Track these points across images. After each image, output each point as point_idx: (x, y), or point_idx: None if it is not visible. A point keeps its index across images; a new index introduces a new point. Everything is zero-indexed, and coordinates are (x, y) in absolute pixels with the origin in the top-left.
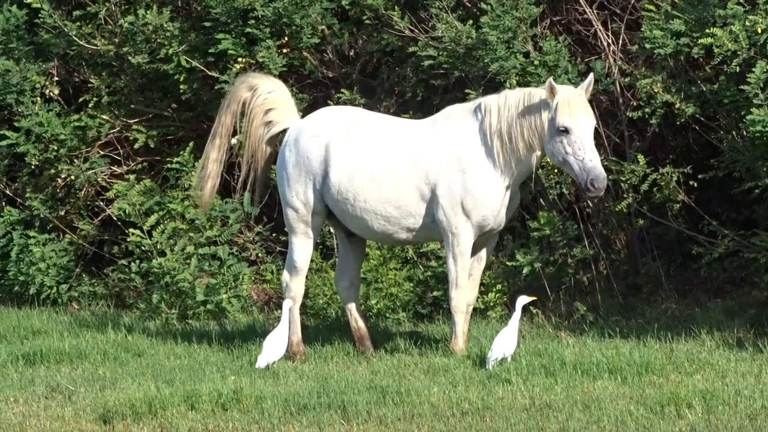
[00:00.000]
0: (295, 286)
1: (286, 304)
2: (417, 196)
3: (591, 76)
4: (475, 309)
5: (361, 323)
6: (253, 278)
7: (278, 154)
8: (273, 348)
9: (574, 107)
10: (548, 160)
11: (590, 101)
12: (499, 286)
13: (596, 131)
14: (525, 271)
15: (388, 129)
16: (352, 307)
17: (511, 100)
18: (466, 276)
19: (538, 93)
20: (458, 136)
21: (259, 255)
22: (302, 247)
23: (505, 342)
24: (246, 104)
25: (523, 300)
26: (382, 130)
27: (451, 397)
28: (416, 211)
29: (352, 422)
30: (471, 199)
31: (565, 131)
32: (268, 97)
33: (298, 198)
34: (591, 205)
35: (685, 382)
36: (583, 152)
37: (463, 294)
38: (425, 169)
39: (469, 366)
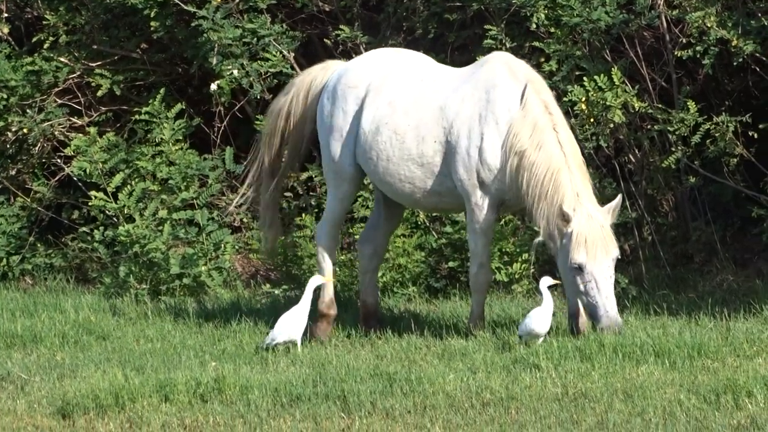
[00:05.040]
0: (325, 240)
1: (314, 281)
2: (440, 152)
3: (619, 198)
4: (498, 282)
5: (371, 299)
6: (236, 247)
7: (318, 105)
8: (289, 327)
9: (593, 244)
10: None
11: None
12: (525, 256)
13: (639, 73)
14: None
15: (424, 77)
16: (367, 278)
17: (540, 160)
18: (487, 252)
19: (565, 187)
20: (486, 91)
21: (244, 220)
22: (333, 202)
23: (538, 320)
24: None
25: (547, 282)
26: (418, 78)
27: (470, 385)
28: (441, 170)
29: (354, 415)
30: (487, 171)
31: (579, 269)
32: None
33: (333, 151)
34: (634, 160)
35: (744, 367)
36: (598, 297)
37: (485, 272)
38: (450, 120)
39: (491, 349)
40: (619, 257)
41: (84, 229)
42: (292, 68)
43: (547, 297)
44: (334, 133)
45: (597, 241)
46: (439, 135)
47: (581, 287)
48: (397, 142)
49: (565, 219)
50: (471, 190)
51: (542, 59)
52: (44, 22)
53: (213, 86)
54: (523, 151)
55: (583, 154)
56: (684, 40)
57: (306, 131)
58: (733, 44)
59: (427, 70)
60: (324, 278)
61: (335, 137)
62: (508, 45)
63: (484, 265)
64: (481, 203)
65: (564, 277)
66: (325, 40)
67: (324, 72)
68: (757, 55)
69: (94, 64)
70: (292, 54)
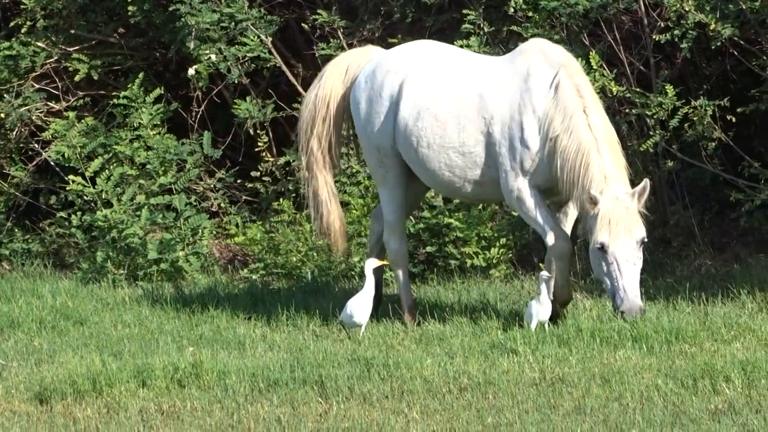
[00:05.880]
0: (395, 245)
1: (369, 264)
2: (482, 143)
3: (645, 182)
4: (475, 267)
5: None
6: (214, 232)
7: (353, 86)
8: (360, 311)
9: (616, 224)
10: None
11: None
12: (503, 240)
13: (617, 57)
14: None
15: (465, 64)
16: (373, 255)
17: (571, 145)
18: (551, 222)
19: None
20: (524, 80)
21: (222, 205)
22: (389, 197)
23: (541, 310)
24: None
25: (545, 276)
26: (459, 66)
27: (448, 370)
28: (482, 160)
29: (332, 400)
30: (529, 160)
31: (602, 249)
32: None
33: (372, 140)
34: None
35: (721, 352)
36: (619, 279)
37: (561, 240)
38: (490, 110)
39: (469, 334)
40: (646, 240)
41: (61, 214)
42: (270, 53)
43: (544, 289)
44: (371, 118)
45: (620, 221)
46: (480, 125)
47: (604, 269)
48: (438, 129)
49: (593, 202)
50: (513, 178)
51: (520, 44)
52: (22, 7)
53: (191, 71)
54: (556, 136)
55: None
56: (662, 24)
57: (346, 115)
58: (711, 28)
59: (466, 59)
60: (379, 261)
61: (372, 122)
62: (486, 29)
63: (554, 230)
64: (525, 191)
65: (592, 262)
66: (303, 24)
67: (362, 57)
68: (735, 39)
69: (71, 49)
70: (270, 38)
